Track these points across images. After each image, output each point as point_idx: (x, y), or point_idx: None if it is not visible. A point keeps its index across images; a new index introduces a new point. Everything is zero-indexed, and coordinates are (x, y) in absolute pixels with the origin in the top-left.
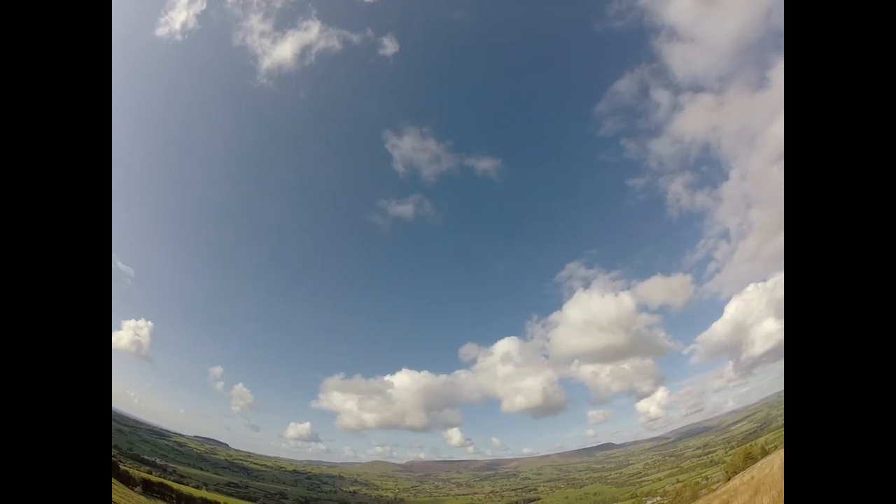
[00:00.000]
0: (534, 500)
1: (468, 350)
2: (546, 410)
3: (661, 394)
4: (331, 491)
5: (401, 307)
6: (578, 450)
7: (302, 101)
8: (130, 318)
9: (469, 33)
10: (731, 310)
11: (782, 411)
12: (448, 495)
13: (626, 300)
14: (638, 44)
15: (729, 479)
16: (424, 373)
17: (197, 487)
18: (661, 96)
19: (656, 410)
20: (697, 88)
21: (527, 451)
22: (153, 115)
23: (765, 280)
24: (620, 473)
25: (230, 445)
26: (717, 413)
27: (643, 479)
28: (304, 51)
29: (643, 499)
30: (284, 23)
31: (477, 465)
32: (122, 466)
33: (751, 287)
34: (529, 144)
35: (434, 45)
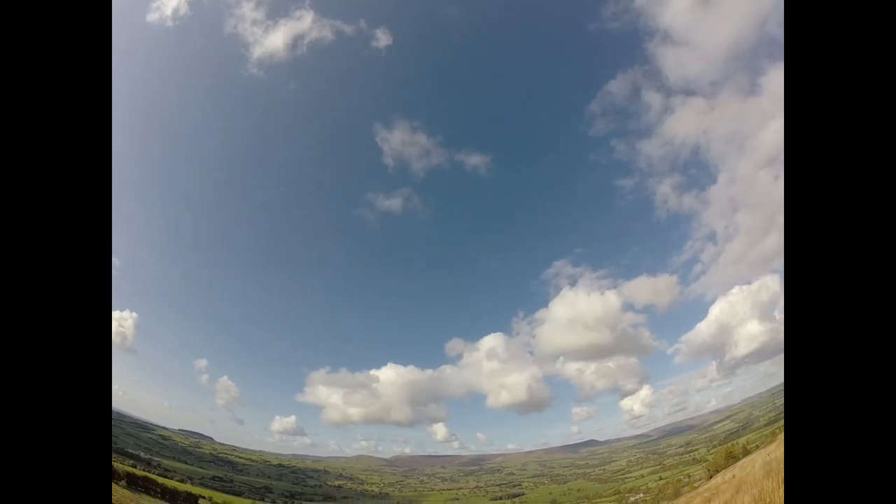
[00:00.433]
0: (518, 495)
1: (454, 345)
2: (531, 407)
3: (644, 392)
4: (316, 485)
5: (387, 301)
6: (562, 446)
7: (292, 92)
8: (114, 310)
9: (463, 28)
10: (716, 311)
11: (764, 412)
12: (433, 490)
13: (612, 299)
14: (632, 45)
15: (711, 478)
16: (410, 367)
17: (182, 481)
18: (653, 98)
19: (640, 408)
20: (689, 92)
21: (511, 446)
22: (140, 101)
23: (750, 283)
24: (604, 470)
25: (215, 439)
26: (699, 412)
27: (626, 475)
28: (297, 41)
29: (626, 495)
30: (277, 11)
31: (462, 461)
32: None
33: (736, 289)
34: (520, 141)
35: (427, 38)
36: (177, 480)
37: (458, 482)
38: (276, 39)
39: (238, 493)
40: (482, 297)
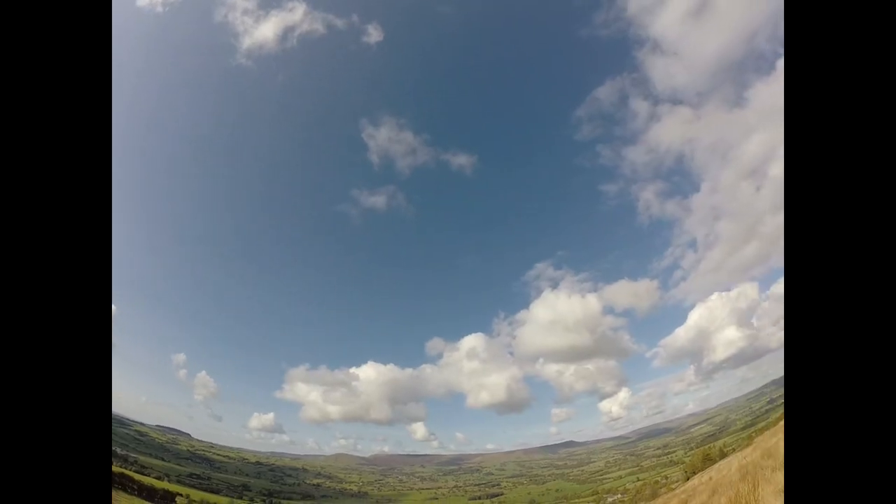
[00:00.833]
0: (497, 495)
1: (435, 344)
2: (510, 407)
3: (623, 394)
4: (294, 483)
5: (368, 299)
6: (541, 447)
7: (280, 84)
8: None
9: (455, 28)
10: (695, 316)
11: (741, 416)
12: (412, 489)
13: (593, 302)
14: (622, 53)
15: (688, 479)
16: (390, 366)
17: (158, 478)
18: (640, 106)
19: (618, 410)
20: (676, 101)
21: (490, 446)
22: (126, 88)
23: (728, 290)
24: (582, 471)
25: (192, 435)
26: (677, 415)
27: (604, 476)
28: (287, 32)
29: (604, 496)
30: (269, 2)
31: (441, 460)
32: None
33: (715, 296)
34: (506, 143)
35: (419, 36)
36: (153, 477)
37: (437, 481)
38: (266, 30)
39: (216, 491)
40: (463, 297)
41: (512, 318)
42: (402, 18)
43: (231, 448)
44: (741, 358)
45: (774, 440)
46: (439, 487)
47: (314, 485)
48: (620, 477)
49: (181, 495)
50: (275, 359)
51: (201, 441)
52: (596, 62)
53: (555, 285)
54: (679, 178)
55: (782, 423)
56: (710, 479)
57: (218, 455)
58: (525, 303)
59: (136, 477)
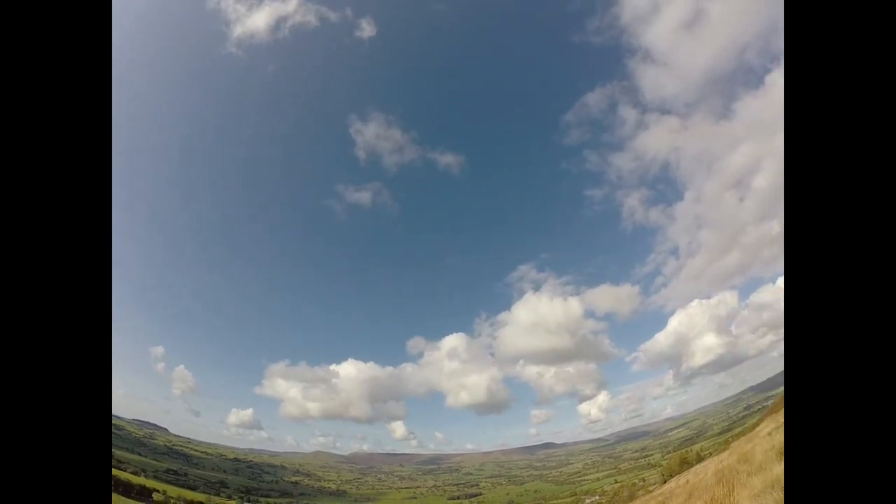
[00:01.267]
0: (476, 495)
1: (416, 343)
2: (490, 408)
3: (602, 397)
4: (272, 481)
5: (350, 295)
6: (520, 448)
7: (270, 75)
8: None
9: (448, 26)
10: (675, 322)
11: (718, 421)
12: (391, 488)
13: (575, 305)
14: (613, 61)
15: (665, 482)
16: (371, 364)
17: (135, 474)
18: (629, 113)
19: (597, 413)
20: (664, 110)
21: (469, 446)
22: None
23: (709, 297)
24: (561, 472)
25: (170, 430)
26: (655, 419)
27: (583, 478)
28: (279, 22)
29: (582, 497)
30: None
31: (420, 459)
32: None
33: (695, 303)
34: (494, 145)
35: (412, 32)
36: (129, 472)
37: (416, 481)
38: (258, 19)
39: (193, 487)
40: (446, 297)
41: (493, 318)
42: (396, 14)
43: (209, 444)
44: (719, 364)
45: (751, 445)
46: (418, 487)
47: (292, 482)
48: (598, 479)
49: (158, 491)
50: (255, 354)
51: (179, 436)
52: (587, 68)
53: (537, 288)
54: (664, 186)
55: (758, 428)
56: (687, 482)
57: (196, 451)
58: (507, 304)
59: (113, 472)
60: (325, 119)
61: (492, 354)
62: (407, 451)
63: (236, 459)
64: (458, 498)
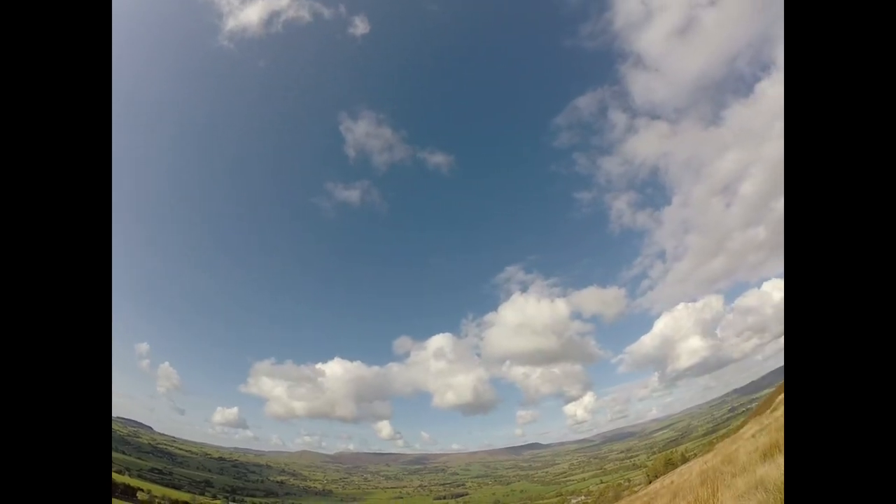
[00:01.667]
0: (462, 495)
1: (402, 343)
2: (476, 408)
3: (588, 398)
4: (258, 480)
5: (337, 294)
6: (506, 448)
7: (261, 70)
8: None
9: (442, 27)
10: (661, 325)
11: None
12: (377, 488)
13: (561, 307)
14: (605, 65)
15: (650, 483)
16: (357, 363)
17: (119, 472)
18: (619, 118)
19: (583, 414)
20: (654, 115)
21: (455, 446)
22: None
23: (695, 301)
24: (547, 472)
25: (154, 428)
26: (640, 420)
27: (568, 478)
28: (272, 17)
29: (568, 497)
30: None
31: (406, 459)
32: None
33: (681, 306)
34: (484, 145)
35: (405, 31)
36: (114, 471)
37: (402, 481)
38: (251, 13)
39: (177, 487)
40: (433, 297)
41: (480, 319)
42: (390, 12)
43: (194, 442)
44: (704, 367)
45: (735, 446)
46: (404, 487)
47: (278, 482)
48: (584, 479)
49: (142, 490)
50: (240, 352)
51: (163, 434)
52: (579, 72)
53: (524, 289)
54: (652, 190)
55: (742, 430)
56: (672, 482)
57: (180, 450)
58: (494, 305)
59: None
60: (316, 116)
61: (478, 355)
62: (393, 451)
63: (221, 458)
64: (445, 498)
